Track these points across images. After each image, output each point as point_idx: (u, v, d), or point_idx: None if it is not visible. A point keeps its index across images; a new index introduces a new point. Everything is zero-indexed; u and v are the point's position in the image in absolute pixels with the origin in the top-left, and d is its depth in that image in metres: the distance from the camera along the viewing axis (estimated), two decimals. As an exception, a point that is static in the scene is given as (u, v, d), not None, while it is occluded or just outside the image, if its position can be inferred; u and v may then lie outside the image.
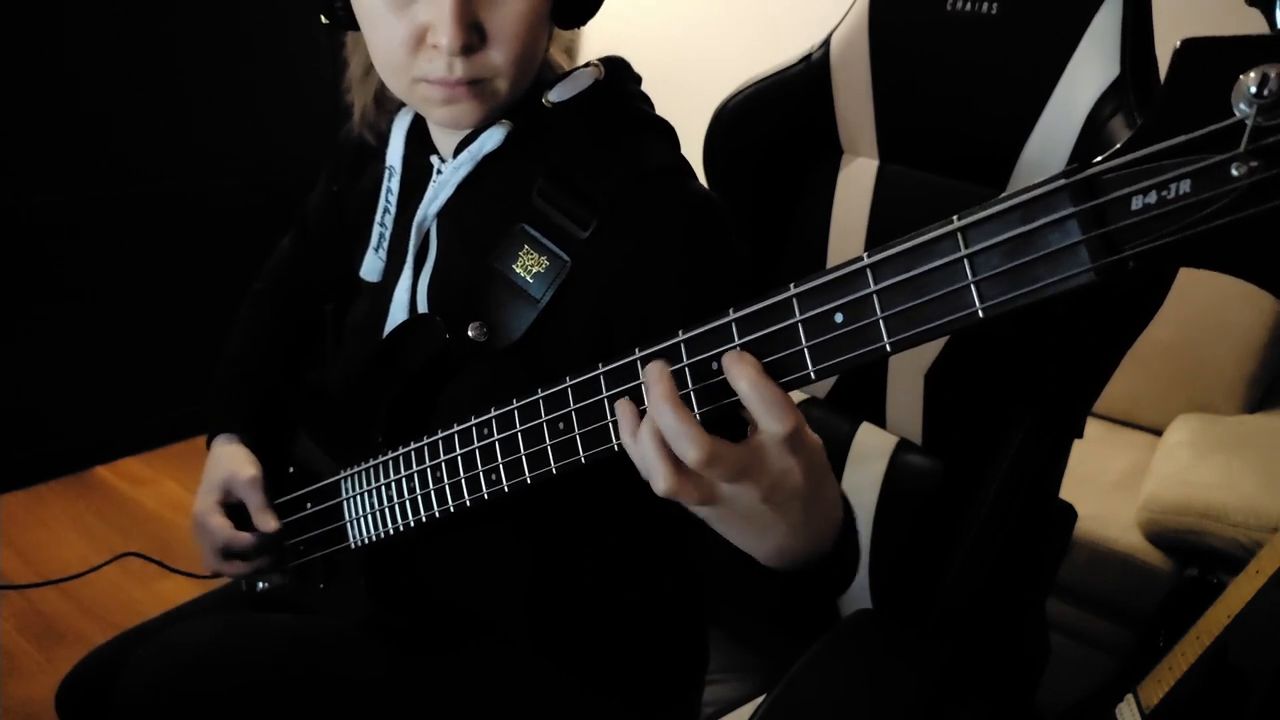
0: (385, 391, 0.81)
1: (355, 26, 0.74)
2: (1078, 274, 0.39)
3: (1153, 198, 0.37)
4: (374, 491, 0.81)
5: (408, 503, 0.77)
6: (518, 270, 0.73)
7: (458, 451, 0.71)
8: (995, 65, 0.91)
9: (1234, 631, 1.21)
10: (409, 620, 0.88)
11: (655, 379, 0.52)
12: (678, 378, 0.53)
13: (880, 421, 1.04)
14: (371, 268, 0.88)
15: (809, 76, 1.03)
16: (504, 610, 0.86)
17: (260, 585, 0.99)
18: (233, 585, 1.03)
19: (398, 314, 0.84)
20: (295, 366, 1.05)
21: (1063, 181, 0.39)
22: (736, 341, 0.51)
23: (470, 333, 0.74)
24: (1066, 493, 0.97)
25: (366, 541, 0.83)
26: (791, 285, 0.49)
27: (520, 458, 0.65)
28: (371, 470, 0.81)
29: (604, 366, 0.58)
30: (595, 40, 1.00)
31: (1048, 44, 0.87)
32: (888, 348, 0.46)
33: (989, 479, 0.91)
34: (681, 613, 0.92)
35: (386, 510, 0.80)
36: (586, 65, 0.80)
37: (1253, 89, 0.34)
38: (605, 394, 0.58)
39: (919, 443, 1.01)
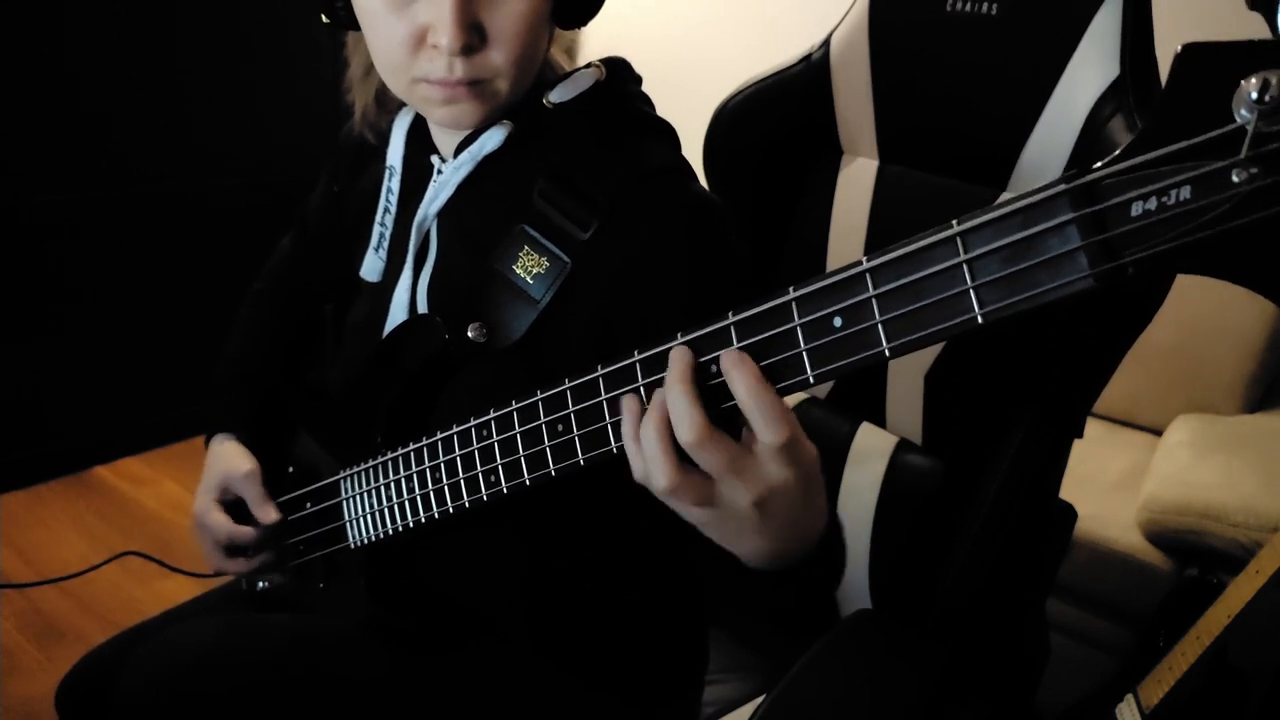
0: (385, 392, 0.81)
1: (356, 26, 0.74)
2: (1077, 280, 0.39)
3: (1153, 204, 0.37)
4: (373, 492, 0.81)
5: (407, 503, 0.77)
6: (518, 271, 0.73)
7: (457, 453, 0.71)
8: (995, 65, 0.91)
9: (1234, 631, 1.21)
10: (409, 620, 0.88)
11: (677, 358, 0.52)
12: None
13: (880, 421, 1.04)
14: (371, 267, 0.88)
15: (809, 76, 1.03)
16: (504, 610, 0.86)
17: (260, 585, 0.99)
18: (233, 585, 1.04)
19: (398, 314, 0.84)
20: (295, 366, 1.05)
21: (1062, 187, 0.39)
22: (735, 345, 0.51)
23: (470, 333, 0.74)
24: (1066, 493, 0.97)
25: (366, 541, 0.83)
26: (790, 289, 0.49)
27: (519, 459, 0.65)
28: (371, 470, 0.81)
29: (603, 369, 0.58)
30: (595, 40, 1.00)
31: (1048, 44, 0.86)
32: (886, 352, 0.46)
33: (989, 479, 0.91)
34: (681, 613, 0.92)
35: (386, 510, 0.80)
36: (588, 66, 0.80)
37: (1253, 95, 0.34)
38: (604, 396, 0.58)
39: (919, 443, 1.01)
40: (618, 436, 0.57)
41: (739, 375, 0.50)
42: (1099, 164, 0.39)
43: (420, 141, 0.85)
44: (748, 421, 0.51)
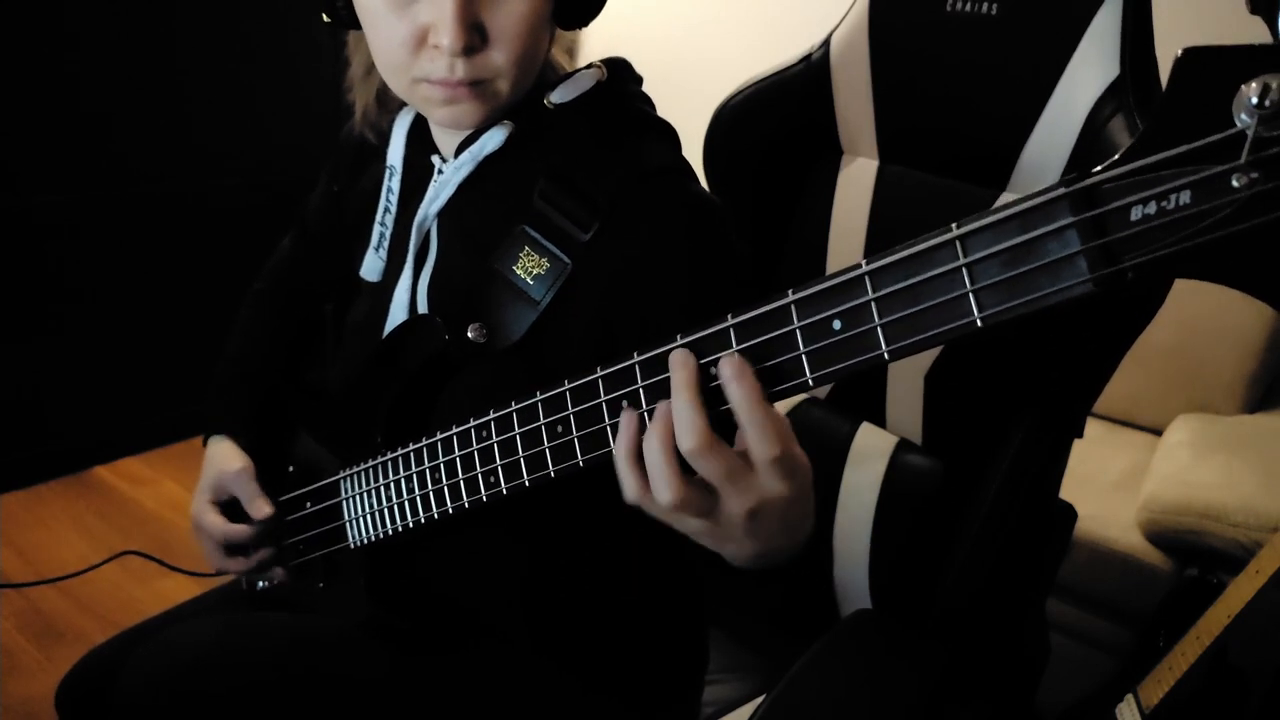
0: (385, 392, 0.81)
1: (357, 25, 0.74)
2: (1076, 284, 0.39)
3: (1152, 208, 0.37)
4: (373, 492, 0.81)
5: (406, 503, 0.77)
6: (518, 272, 0.73)
7: (456, 453, 0.71)
8: (995, 65, 0.91)
9: (1234, 631, 1.21)
10: (408, 620, 0.88)
11: (679, 364, 0.52)
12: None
13: (880, 421, 1.04)
14: (372, 267, 0.88)
15: (809, 76, 1.03)
16: (503, 611, 0.86)
17: (260, 584, 0.99)
18: (233, 585, 1.04)
19: (398, 314, 0.84)
20: (295, 366, 1.05)
21: (1062, 191, 0.39)
22: (734, 347, 0.51)
23: (470, 334, 0.74)
24: (1066, 493, 0.97)
25: (366, 541, 0.83)
26: (790, 291, 0.49)
27: (519, 460, 0.65)
28: (370, 471, 0.81)
29: (602, 370, 0.58)
30: (595, 40, 1.00)
31: (1048, 44, 0.86)
32: (885, 355, 0.46)
33: (989, 479, 0.91)
34: (681, 613, 0.92)
35: (385, 511, 0.80)
36: (589, 66, 0.80)
37: (1254, 99, 0.34)
38: (604, 398, 0.58)
39: (919, 443, 1.01)
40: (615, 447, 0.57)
41: (737, 388, 0.50)
42: (1099, 167, 0.38)
43: (421, 141, 0.85)
44: (742, 431, 0.51)
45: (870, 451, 1.02)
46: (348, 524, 0.85)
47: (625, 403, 0.56)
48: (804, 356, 0.49)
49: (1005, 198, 0.92)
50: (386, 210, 0.87)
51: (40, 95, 2.05)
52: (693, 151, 0.83)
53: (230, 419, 0.98)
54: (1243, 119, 0.35)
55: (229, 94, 2.38)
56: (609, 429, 0.58)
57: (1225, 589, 1.26)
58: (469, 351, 0.75)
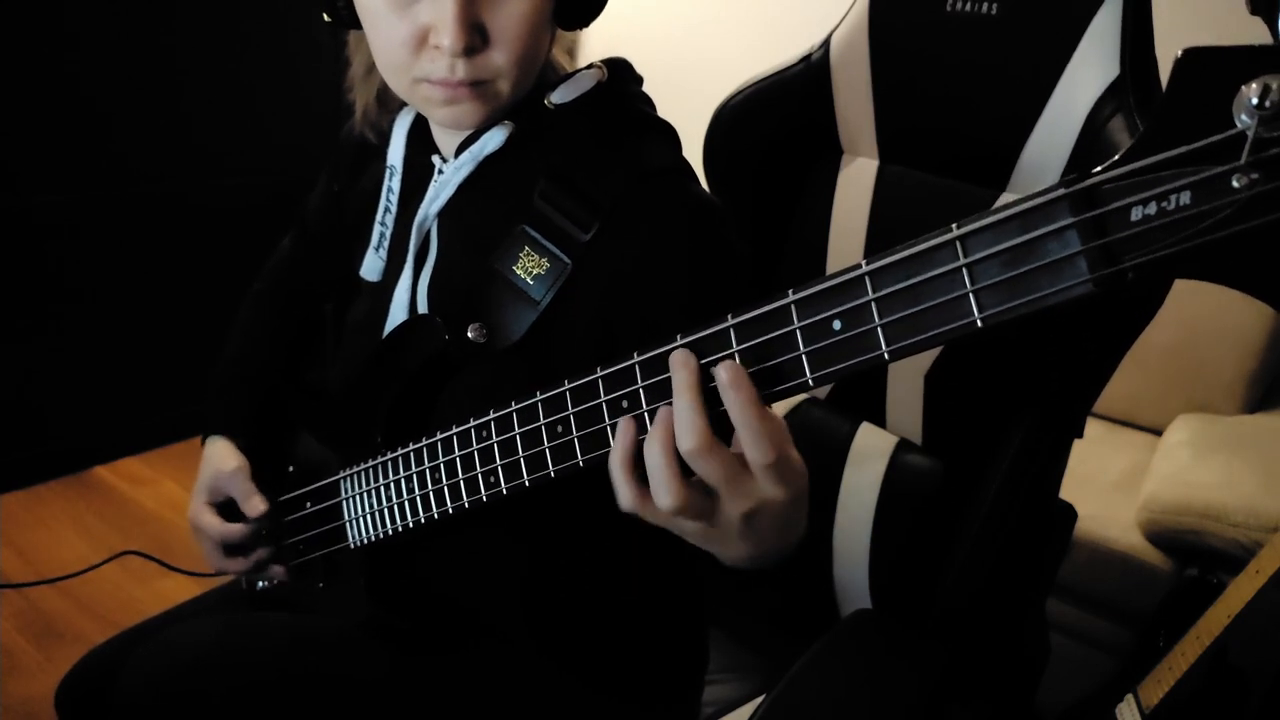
0: (385, 392, 0.81)
1: (358, 25, 0.74)
2: (1077, 285, 0.39)
3: (1152, 209, 0.37)
4: (373, 492, 0.81)
5: (406, 504, 0.77)
6: (518, 272, 0.73)
7: (456, 453, 0.71)
8: (995, 65, 0.91)
9: (1234, 631, 1.21)
10: (408, 620, 0.88)
11: (681, 364, 0.52)
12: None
13: (880, 421, 1.04)
14: (372, 267, 0.88)
15: (809, 76, 1.03)
16: (503, 610, 0.86)
17: (260, 584, 0.99)
18: (233, 585, 1.04)
19: (398, 314, 0.84)
20: (295, 367, 1.05)
21: (1062, 191, 0.39)
22: (734, 347, 0.51)
23: (470, 334, 0.75)
24: (1066, 493, 0.97)
25: (366, 541, 0.83)
26: (790, 291, 0.49)
27: (519, 460, 0.65)
28: (370, 471, 0.81)
29: (602, 370, 0.58)
30: (595, 40, 1.00)
31: (1048, 44, 0.86)
32: (886, 355, 0.46)
33: (989, 479, 0.92)
34: (681, 613, 0.92)
35: (385, 511, 0.80)
36: (589, 67, 0.80)
37: (1254, 100, 0.34)
38: (604, 398, 0.58)
39: (919, 443, 1.01)
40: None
41: (734, 395, 0.50)
42: (1099, 168, 0.38)
43: (421, 141, 0.85)
44: (738, 436, 0.51)
45: (870, 451, 1.02)
46: (348, 524, 0.85)
47: (625, 402, 0.56)
48: (804, 357, 0.49)
49: (1005, 198, 0.92)
50: (387, 210, 0.87)
51: (40, 95, 2.05)
52: (693, 151, 0.83)
53: (229, 420, 0.98)
54: (1243, 119, 0.35)
55: (229, 94, 2.38)
56: (609, 429, 0.58)
57: (1225, 589, 1.26)
58: (469, 351, 0.75)
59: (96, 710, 0.90)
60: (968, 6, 0.91)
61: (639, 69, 0.82)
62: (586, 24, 0.75)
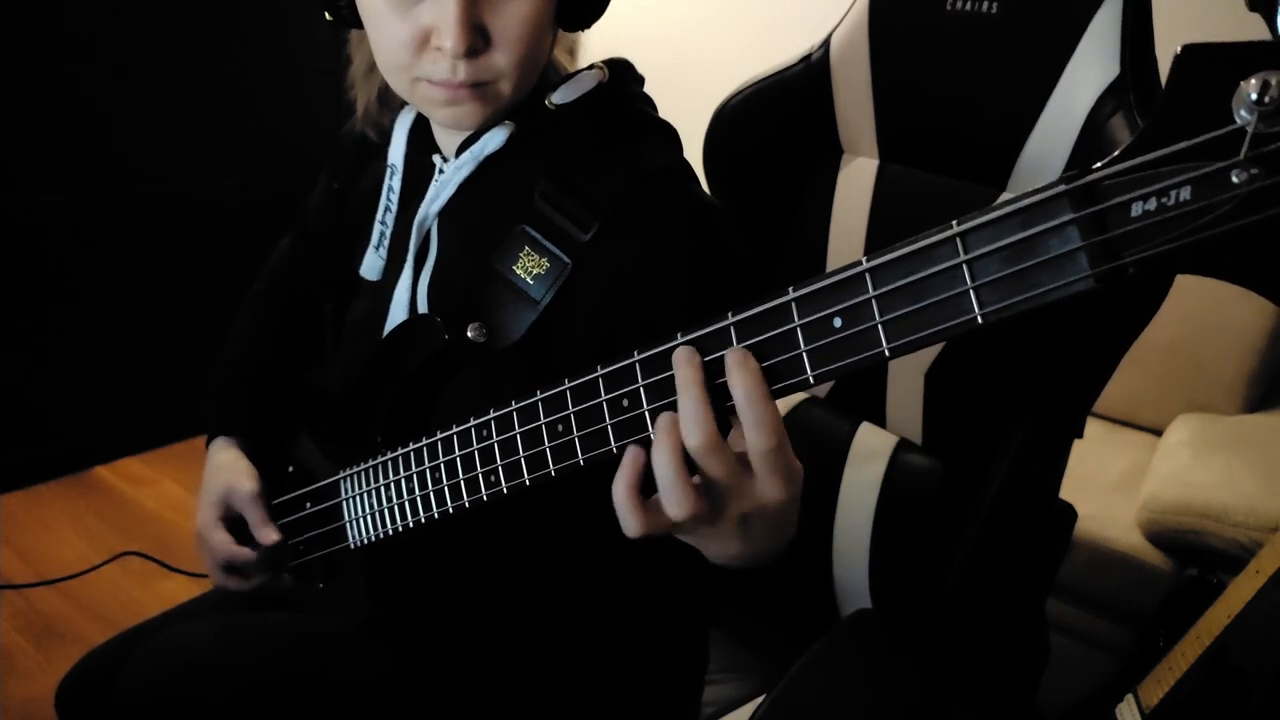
0: (385, 391, 0.81)
1: (359, 24, 0.74)
2: (1077, 280, 0.39)
3: (1153, 204, 0.37)
4: (373, 492, 0.81)
5: (406, 504, 0.77)
6: (518, 271, 0.73)
7: (457, 453, 0.71)
8: (995, 65, 0.91)
9: (1234, 631, 1.21)
10: (409, 620, 0.88)
11: (685, 361, 0.52)
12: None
13: (880, 421, 1.04)
14: (372, 266, 0.88)
15: (809, 76, 1.03)
16: (504, 611, 0.86)
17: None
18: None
19: (398, 313, 0.84)
20: (295, 367, 1.05)
21: (1063, 187, 0.39)
22: (735, 345, 0.51)
23: (470, 333, 0.74)
24: (1066, 493, 0.97)
25: (366, 542, 0.83)
26: (790, 289, 0.49)
27: (519, 460, 0.65)
28: (370, 471, 0.81)
29: (602, 369, 0.58)
30: (595, 40, 0.99)
31: (1048, 44, 0.86)
32: (886, 353, 0.46)
33: (989, 479, 0.91)
34: (681, 612, 0.92)
35: (385, 511, 0.80)
36: (590, 67, 0.80)
37: (1253, 96, 0.34)
38: (604, 397, 0.58)
39: (919, 443, 1.01)
40: (618, 437, 0.57)
41: (739, 378, 0.50)
42: (1099, 164, 0.39)
43: (422, 140, 0.85)
44: (739, 422, 0.51)
45: (870, 451, 1.02)
46: (348, 524, 0.85)
47: (625, 401, 0.56)
48: (804, 354, 0.49)
49: (1005, 197, 0.92)
50: (387, 209, 0.87)
51: (40, 95, 2.05)
52: (693, 152, 0.83)
53: (229, 420, 0.98)
54: (1242, 115, 0.35)
55: (229, 94, 2.38)
56: (609, 428, 0.58)
57: (1225, 589, 1.26)
58: (469, 351, 0.75)
59: (96, 711, 0.90)
60: (968, 6, 0.91)
61: (639, 69, 0.82)
62: (588, 25, 0.75)
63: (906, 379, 1.00)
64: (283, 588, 0.97)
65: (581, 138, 0.77)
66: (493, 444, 0.67)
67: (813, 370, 0.49)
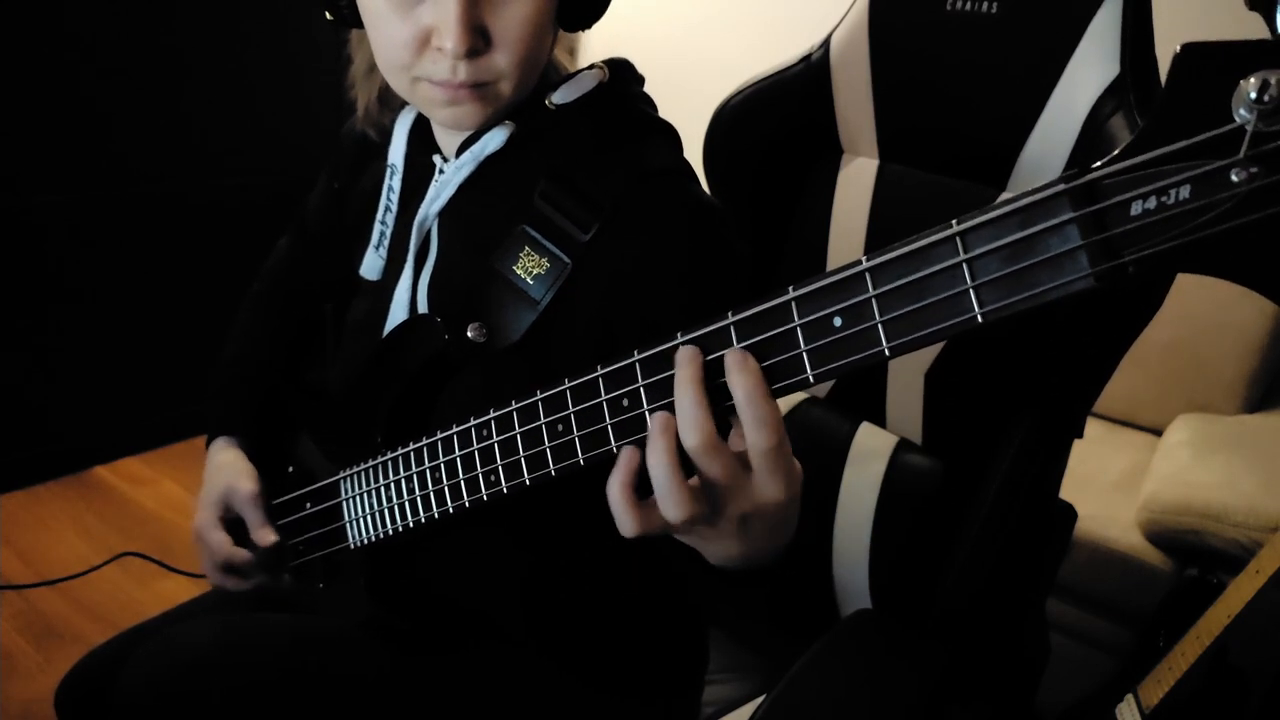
0: (385, 392, 0.81)
1: (359, 24, 0.74)
2: (1077, 279, 0.39)
3: (1152, 203, 0.37)
4: (373, 492, 0.81)
5: (407, 504, 0.77)
6: (518, 271, 0.73)
7: (457, 453, 0.71)
8: (995, 65, 0.91)
9: (1234, 631, 1.21)
10: (409, 620, 0.88)
11: (686, 360, 0.52)
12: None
13: (880, 421, 1.04)
14: (372, 266, 0.88)
15: (809, 76, 1.03)
16: (504, 610, 0.86)
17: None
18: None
19: (398, 313, 0.84)
20: (294, 367, 1.05)
21: (1062, 186, 0.39)
22: (735, 345, 0.51)
23: (470, 333, 0.74)
24: (1066, 493, 0.97)
25: (366, 542, 0.83)
26: (790, 288, 0.49)
27: (519, 460, 0.65)
28: (370, 471, 0.81)
29: (602, 369, 0.58)
30: (596, 40, 1.00)
31: (1048, 44, 0.86)
32: (886, 352, 0.46)
33: (989, 479, 0.91)
34: (681, 612, 0.92)
35: (385, 511, 0.80)
36: (591, 67, 0.80)
37: (1253, 94, 0.34)
38: (604, 396, 0.58)
39: (919, 443, 1.01)
40: (618, 436, 0.57)
41: (740, 378, 0.50)
42: (1099, 163, 0.39)
43: (422, 140, 0.85)
44: (739, 420, 0.51)
45: (870, 451, 1.02)
46: (348, 524, 0.85)
47: (625, 401, 0.56)
48: (805, 354, 0.49)
49: (1005, 197, 0.92)
50: (387, 209, 0.87)
51: (40, 95, 2.05)
52: (693, 152, 0.83)
53: (229, 420, 0.98)
54: (1242, 114, 0.35)
55: (229, 94, 2.39)
56: (609, 428, 0.58)
57: (1225, 589, 1.26)
58: (469, 351, 0.75)
59: (96, 711, 0.90)
60: (968, 6, 0.91)
61: (639, 69, 0.82)
62: (589, 25, 0.75)
63: (906, 379, 1.00)
64: (283, 588, 0.97)
65: (582, 138, 0.77)
66: (493, 444, 0.67)
67: (813, 370, 0.49)
